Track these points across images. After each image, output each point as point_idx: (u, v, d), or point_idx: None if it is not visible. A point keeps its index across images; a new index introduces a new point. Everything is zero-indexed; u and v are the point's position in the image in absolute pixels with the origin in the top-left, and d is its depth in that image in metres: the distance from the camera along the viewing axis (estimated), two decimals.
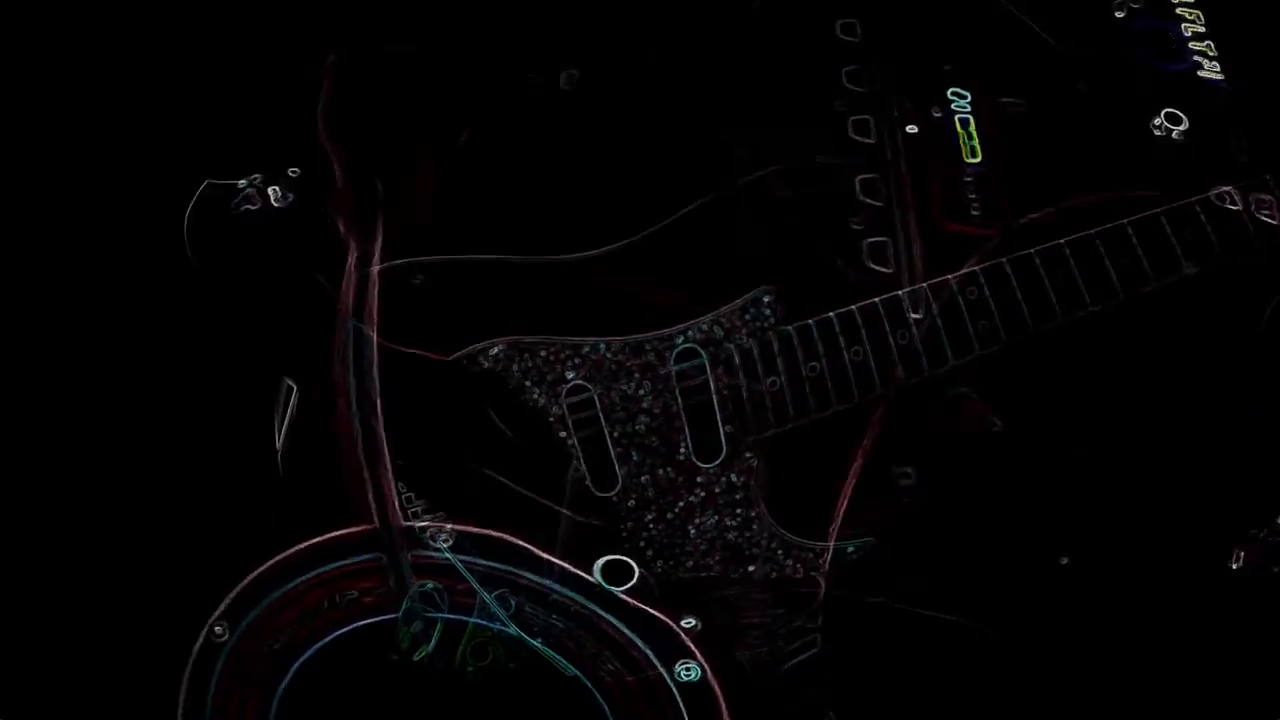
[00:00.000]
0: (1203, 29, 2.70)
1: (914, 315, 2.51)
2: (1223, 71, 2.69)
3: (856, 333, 2.49)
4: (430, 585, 2.35)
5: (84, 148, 2.54)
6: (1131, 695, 2.60)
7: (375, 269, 2.39)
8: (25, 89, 2.55)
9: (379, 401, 2.35)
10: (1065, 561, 2.59)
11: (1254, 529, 2.60)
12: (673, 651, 2.38)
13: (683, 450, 2.46)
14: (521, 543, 2.36)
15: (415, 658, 2.33)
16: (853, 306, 2.50)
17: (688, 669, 2.38)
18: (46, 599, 2.46)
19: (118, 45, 2.54)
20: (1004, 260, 2.54)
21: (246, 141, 2.46)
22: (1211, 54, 2.69)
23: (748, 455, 2.47)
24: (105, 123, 2.54)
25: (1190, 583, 2.61)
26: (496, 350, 2.44)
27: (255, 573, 2.31)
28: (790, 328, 2.49)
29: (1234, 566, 2.61)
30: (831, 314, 2.50)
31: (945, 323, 2.50)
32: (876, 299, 2.51)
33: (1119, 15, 2.69)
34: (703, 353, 2.47)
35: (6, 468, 2.47)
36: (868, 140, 2.57)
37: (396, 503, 2.35)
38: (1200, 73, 2.69)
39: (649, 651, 2.37)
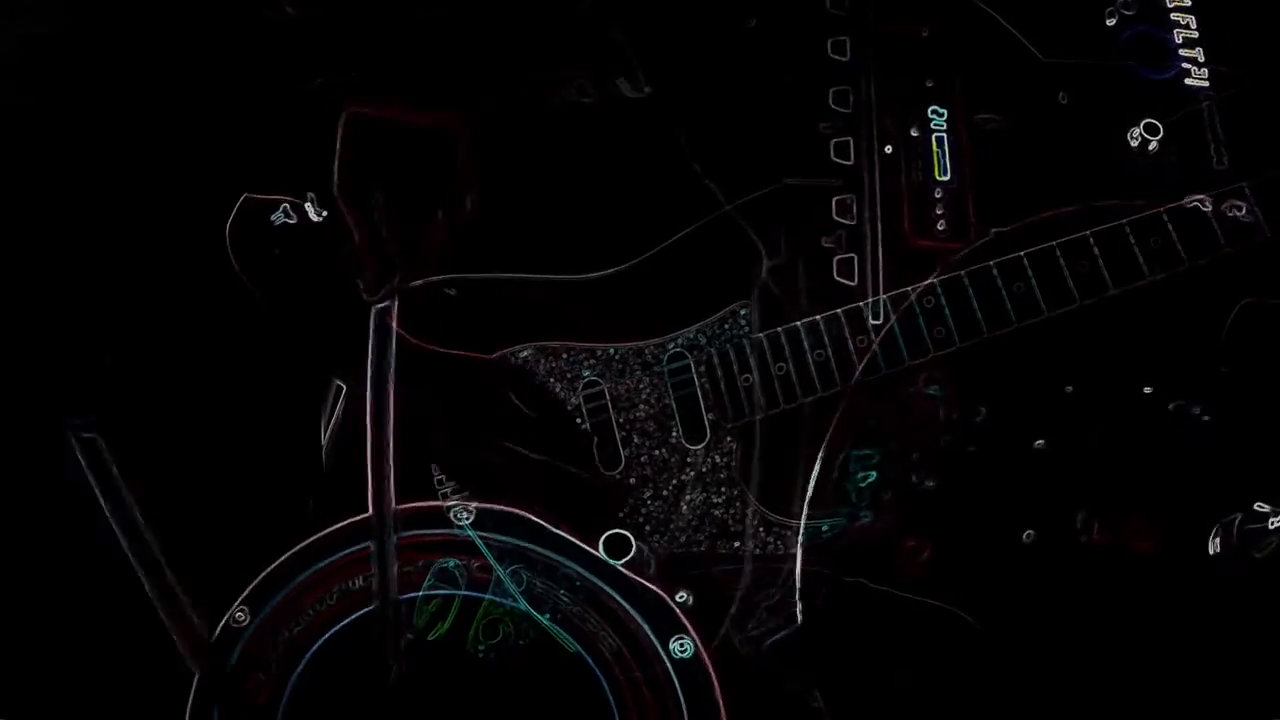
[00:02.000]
0: (1194, 35, 2.68)
1: (873, 322, 2.73)
2: (1210, 78, 2.67)
3: (820, 338, 2.74)
4: (453, 563, 2.54)
5: (117, 160, 2.68)
6: (1114, 683, 2.65)
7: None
8: (59, 109, 2.69)
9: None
10: (1029, 536, 2.73)
11: (1232, 515, 2.61)
12: (667, 627, 2.52)
13: (674, 434, 2.81)
14: (536, 518, 2.59)
15: (430, 637, 2.48)
16: (817, 316, 2.74)
17: (682, 645, 2.52)
18: (67, 586, 2.54)
19: (150, 65, 2.71)
20: (962, 273, 2.69)
21: (277, 156, 2.65)
22: (1200, 61, 2.67)
23: (729, 439, 2.79)
24: (137, 136, 2.69)
25: (1169, 571, 2.65)
26: (526, 353, 2.84)
27: (278, 560, 2.45)
28: (762, 335, 2.76)
29: (1211, 552, 2.63)
30: (798, 322, 2.75)
31: (902, 328, 2.70)
32: (838, 310, 2.74)
33: (1110, 23, 2.71)
34: (689, 355, 2.80)
35: (34, 452, 2.55)
36: (847, 163, 2.76)
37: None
38: (1187, 80, 2.68)
39: (645, 626, 2.52)
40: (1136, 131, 2.61)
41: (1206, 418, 2.63)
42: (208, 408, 2.66)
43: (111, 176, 2.72)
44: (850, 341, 2.66)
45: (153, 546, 2.52)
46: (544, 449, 2.75)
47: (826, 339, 2.67)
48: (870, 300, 2.65)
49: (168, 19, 2.76)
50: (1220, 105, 2.60)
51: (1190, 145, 2.60)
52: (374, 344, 2.66)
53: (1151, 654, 2.63)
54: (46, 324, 2.66)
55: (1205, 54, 2.62)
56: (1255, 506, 2.58)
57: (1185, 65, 2.62)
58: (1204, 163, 2.60)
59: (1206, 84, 2.62)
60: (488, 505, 2.66)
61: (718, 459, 2.72)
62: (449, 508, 2.65)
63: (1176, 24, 2.63)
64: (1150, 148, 2.60)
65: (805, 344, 2.68)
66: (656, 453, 2.74)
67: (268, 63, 2.76)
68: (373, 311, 2.63)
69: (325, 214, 2.68)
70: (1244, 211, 2.54)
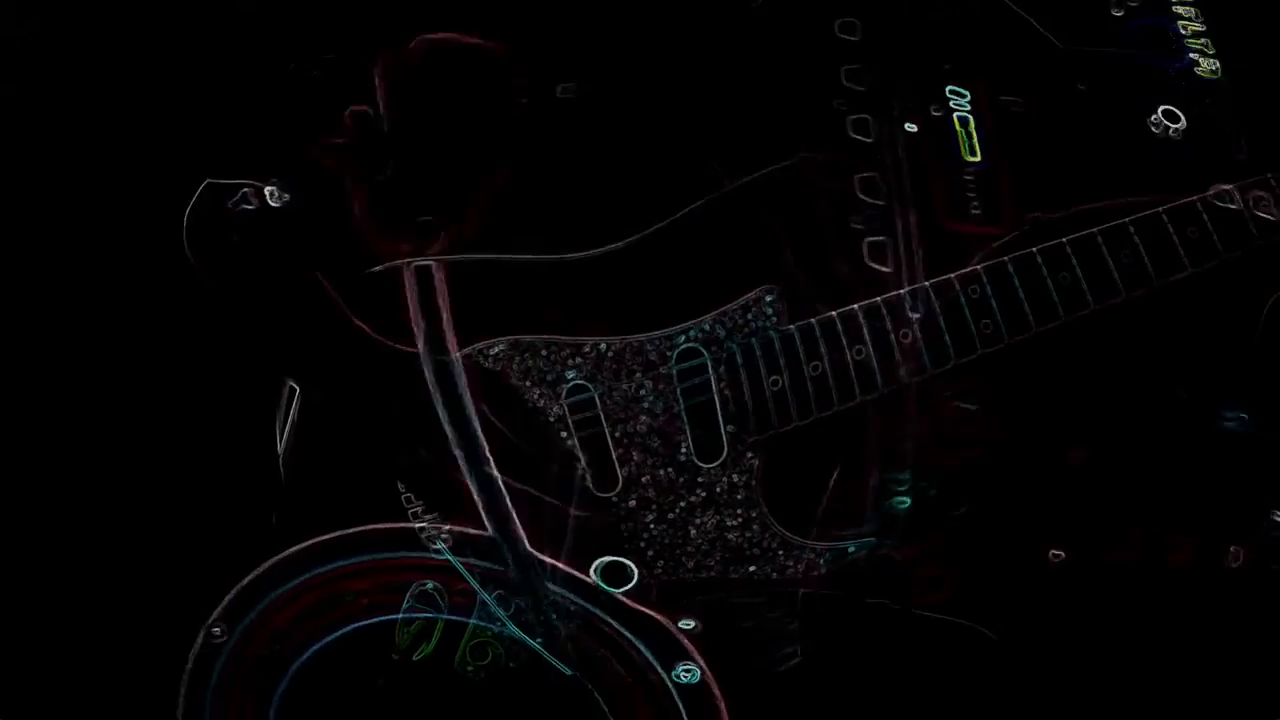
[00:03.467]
0: (1200, 26, 2.54)
1: (915, 314, 2.35)
2: (1220, 69, 2.53)
3: (859, 332, 2.33)
4: (431, 585, 2.22)
5: (85, 149, 2.39)
6: (1130, 695, 2.47)
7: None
8: (26, 91, 2.40)
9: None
10: (1056, 555, 2.44)
11: (1253, 525, 2.45)
12: (672, 653, 2.25)
13: (684, 451, 2.30)
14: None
15: (415, 657, 2.23)
16: (855, 306, 2.34)
17: (687, 671, 2.25)
18: (46, 600, 2.34)
19: (116, 47, 2.40)
20: (1006, 260, 2.38)
21: (242, 141, 2.32)
22: (1209, 51, 2.53)
23: (749, 455, 2.31)
24: (104, 123, 2.38)
25: (1190, 580, 2.46)
26: (498, 349, 2.28)
27: (254, 573, 2.21)
28: (793, 327, 2.32)
29: (1233, 565, 2.45)
30: (834, 313, 2.33)
31: (948, 321, 2.35)
32: (879, 298, 2.35)
33: (1117, 14, 2.54)
34: (705, 352, 2.31)
35: (6, 467, 2.34)
36: (866, 139, 2.41)
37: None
38: (1198, 70, 2.53)
39: (648, 653, 2.25)
40: (1157, 118, 2.43)
41: (1238, 424, 2.43)
42: (179, 414, 2.31)
43: (95, 172, 2.35)
44: (893, 335, 2.28)
45: None
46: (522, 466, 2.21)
47: (866, 332, 2.28)
48: (914, 288, 2.30)
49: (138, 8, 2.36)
50: (1236, 95, 2.46)
51: (1211, 135, 2.45)
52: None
53: (1177, 669, 2.46)
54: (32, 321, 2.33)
55: (1212, 45, 2.48)
56: (1274, 515, 2.44)
57: (1194, 56, 2.47)
58: (1224, 153, 2.45)
59: (1218, 75, 2.47)
60: (466, 529, 2.22)
61: (735, 478, 2.26)
62: (422, 531, 2.15)
63: (1180, 16, 2.48)
64: (1171, 134, 2.42)
65: (843, 338, 2.27)
66: (661, 473, 2.24)
67: (242, 47, 2.35)
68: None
69: (286, 199, 2.22)
70: (1271, 205, 2.40)
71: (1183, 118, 2.46)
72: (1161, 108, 2.46)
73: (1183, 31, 2.51)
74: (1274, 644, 2.47)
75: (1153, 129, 2.46)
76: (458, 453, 2.23)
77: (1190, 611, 2.46)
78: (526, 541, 2.23)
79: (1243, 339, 2.46)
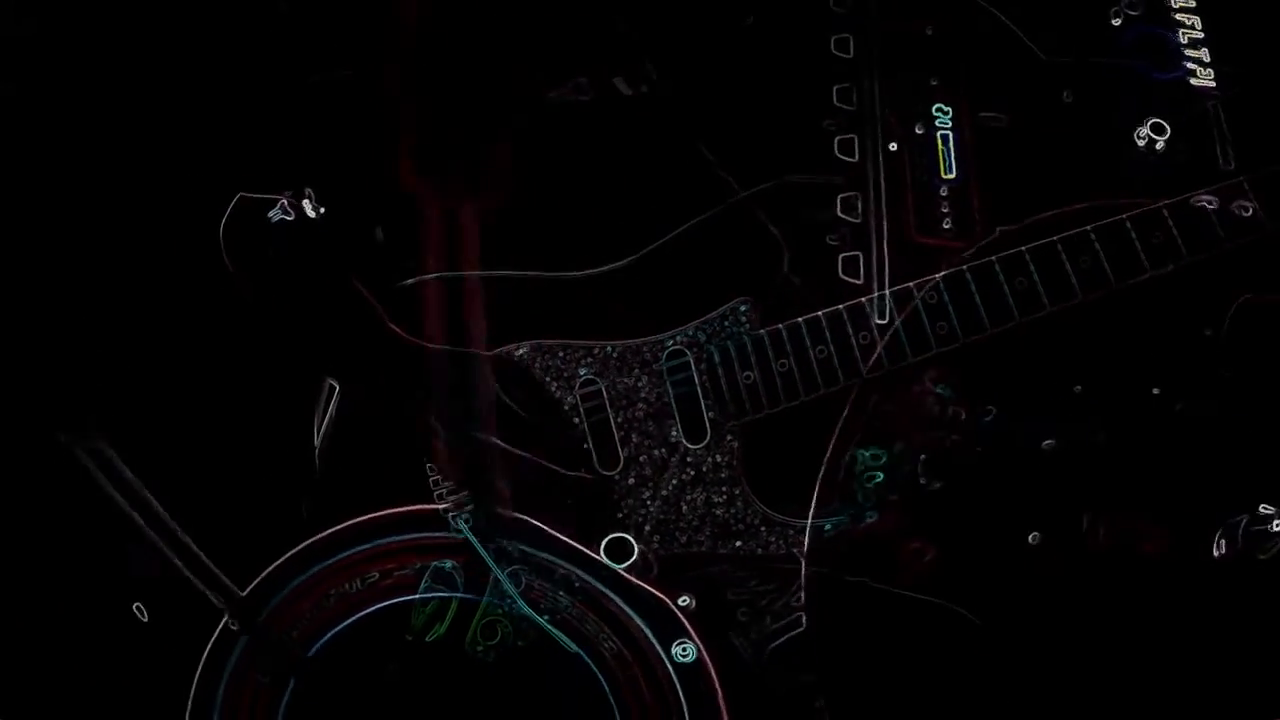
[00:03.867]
0: (1200, 35, 2.62)
1: (877, 319, 2.64)
2: (1216, 79, 2.60)
3: (822, 335, 2.64)
4: (449, 564, 2.50)
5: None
6: (1117, 683, 2.58)
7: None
8: (55, 105, 2.58)
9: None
10: (1034, 538, 2.62)
11: (1236, 516, 2.53)
12: (669, 631, 2.48)
13: (674, 433, 2.71)
14: (534, 522, 2.54)
15: (428, 638, 2.45)
16: (819, 313, 2.65)
17: (683, 649, 2.48)
18: (66, 587, 2.49)
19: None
20: (965, 268, 2.61)
21: (271, 152, 2.56)
22: (1206, 61, 2.61)
23: (729, 438, 2.69)
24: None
25: (1173, 572, 2.57)
26: (522, 351, 2.74)
27: (276, 563, 2.42)
28: (763, 331, 2.67)
29: (1216, 554, 2.54)
30: (800, 319, 2.66)
31: (904, 324, 2.61)
32: (841, 306, 2.65)
33: (1115, 23, 2.65)
34: (688, 353, 2.70)
35: (34, 454, 2.49)
36: (851, 160, 2.69)
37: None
38: (1193, 80, 2.62)
39: (647, 629, 2.48)
40: (1143, 131, 2.53)
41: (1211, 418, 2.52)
42: (202, 411, 2.57)
43: (107, 176, 2.63)
44: (853, 338, 2.57)
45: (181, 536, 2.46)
46: (539, 449, 2.63)
47: (829, 335, 2.57)
48: (873, 296, 2.56)
49: (160, 16, 2.66)
50: (1226, 105, 2.52)
51: (1197, 145, 2.52)
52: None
53: (1155, 655, 2.56)
54: (42, 326, 2.58)
55: (1210, 55, 2.54)
56: (1260, 509, 2.50)
57: (1190, 65, 2.54)
58: (1210, 163, 2.52)
59: (1212, 84, 2.54)
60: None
61: (718, 458, 2.62)
62: (446, 510, 2.53)
63: (1181, 24, 2.56)
64: (1157, 147, 2.52)
65: (807, 340, 2.58)
66: (656, 452, 2.63)
67: (263, 59, 2.67)
68: None
69: (323, 211, 2.58)
70: (1249, 211, 2.46)
71: (1169, 130, 2.56)
72: (1150, 120, 2.57)
73: (1181, 41, 2.59)
74: (1260, 634, 2.55)
75: (1138, 141, 2.58)
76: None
77: (1176, 602, 2.56)
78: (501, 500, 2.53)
79: (1212, 339, 2.55)
